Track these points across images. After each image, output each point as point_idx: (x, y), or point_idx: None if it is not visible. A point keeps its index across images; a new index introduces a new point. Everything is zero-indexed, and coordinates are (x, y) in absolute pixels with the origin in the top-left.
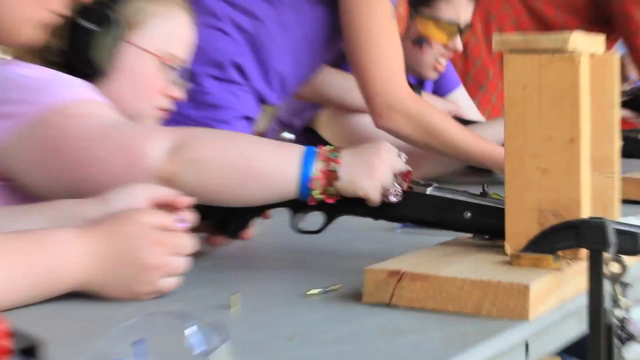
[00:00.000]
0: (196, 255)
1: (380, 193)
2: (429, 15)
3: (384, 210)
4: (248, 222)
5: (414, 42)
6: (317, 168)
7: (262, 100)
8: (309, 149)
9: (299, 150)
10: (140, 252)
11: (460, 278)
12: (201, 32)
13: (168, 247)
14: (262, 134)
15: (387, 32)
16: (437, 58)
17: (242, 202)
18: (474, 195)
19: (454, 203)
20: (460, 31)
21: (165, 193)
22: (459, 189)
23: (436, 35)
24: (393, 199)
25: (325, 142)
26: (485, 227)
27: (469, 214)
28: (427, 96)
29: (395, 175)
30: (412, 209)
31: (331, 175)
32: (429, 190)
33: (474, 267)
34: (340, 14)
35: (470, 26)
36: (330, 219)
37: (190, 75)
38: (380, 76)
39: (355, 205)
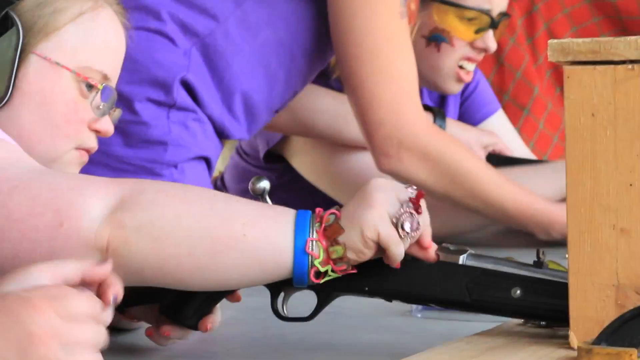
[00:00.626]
0: (140, 354)
1: (392, 223)
2: (449, 0)
3: (398, 284)
4: (210, 305)
5: (428, 39)
6: (314, 229)
7: (221, 134)
8: (302, 213)
9: (290, 213)
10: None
11: None
12: (135, 37)
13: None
14: (216, 179)
15: (395, 37)
16: (460, 62)
17: (211, 280)
18: (524, 265)
19: (498, 276)
20: (494, 24)
21: (77, 268)
22: (504, 257)
23: (459, 30)
24: (407, 227)
25: (296, 177)
26: (542, 309)
27: (518, 292)
28: (454, 124)
29: (403, 204)
30: (439, 284)
31: (331, 231)
32: (462, 259)
33: None
34: (329, 12)
35: (507, 17)
36: (324, 299)
37: (120, 99)
38: (386, 100)
39: (360, 276)
